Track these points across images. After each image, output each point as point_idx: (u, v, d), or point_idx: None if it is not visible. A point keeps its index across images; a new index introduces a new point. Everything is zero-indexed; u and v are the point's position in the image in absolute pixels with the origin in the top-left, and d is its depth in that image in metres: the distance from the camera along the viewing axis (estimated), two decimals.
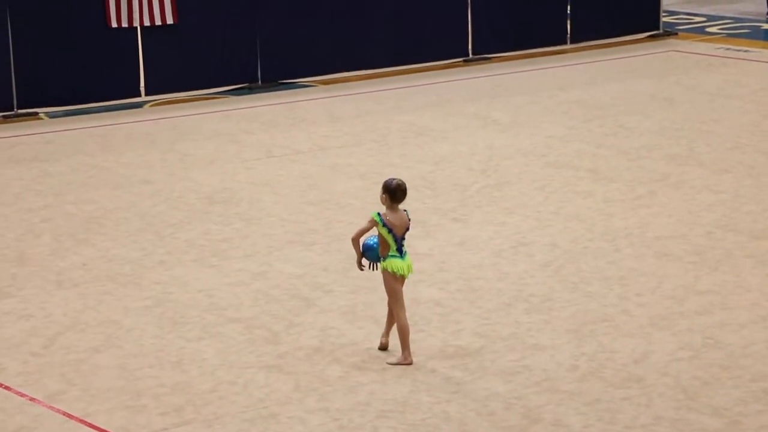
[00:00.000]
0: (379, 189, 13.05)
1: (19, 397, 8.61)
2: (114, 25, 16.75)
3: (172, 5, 17.03)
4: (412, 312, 9.91)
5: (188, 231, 11.93)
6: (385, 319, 9.26)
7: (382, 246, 8.92)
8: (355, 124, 15.81)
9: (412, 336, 9.21)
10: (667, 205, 12.45)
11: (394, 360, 9.03)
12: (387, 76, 18.36)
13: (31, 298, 10.33)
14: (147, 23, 16.92)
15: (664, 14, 20.84)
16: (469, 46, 19.18)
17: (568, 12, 19.85)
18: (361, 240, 9.04)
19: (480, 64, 18.98)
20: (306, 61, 18.01)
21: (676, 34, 20.66)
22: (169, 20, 17.04)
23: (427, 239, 11.60)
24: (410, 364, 8.95)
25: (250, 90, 17.69)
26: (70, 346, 9.38)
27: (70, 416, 8.35)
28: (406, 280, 9.01)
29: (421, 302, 10.13)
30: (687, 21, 21.80)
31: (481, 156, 14.31)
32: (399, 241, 8.90)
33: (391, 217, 8.88)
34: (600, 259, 11.03)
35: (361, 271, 9.18)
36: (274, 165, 14.12)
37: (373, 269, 9.10)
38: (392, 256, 8.91)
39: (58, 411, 8.42)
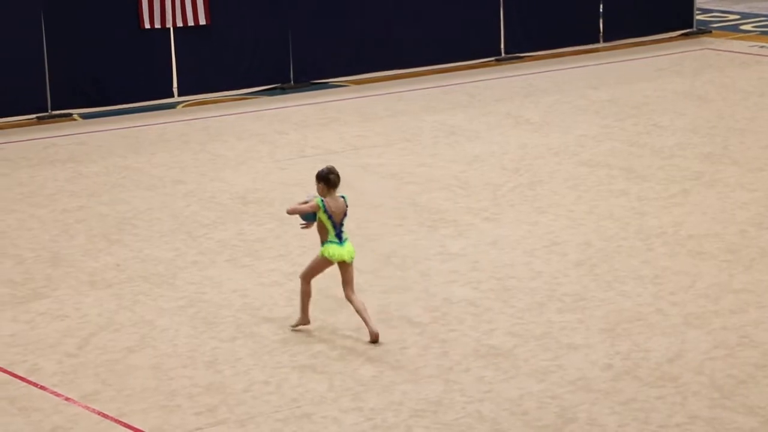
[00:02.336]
0: (412, 189, 13.05)
1: (55, 397, 8.65)
2: (147, 26, 16.81)
3: (204, 6, 17.08)
4: (444, 311, 9.91)
5: (221, 231, 11.96)
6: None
7: (321, 231, 9.31)
8: (387, 124, 15.80)
9: (444, 335, 9.22)
10: (701, 203, 12.39)
11: (294, 323, 9.58)
12: (419, 75, 18.35)
13: (65, 298, 10.38)
14: (180, 24, 16.98)
15: (697, 12, 20.75)
16: (501, 46, 19.14)
17: (601, 11, 19.78)
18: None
19: (512, 63, 18.94)
20: (338, 62, 18.03)
21: (710, 32, 20.55)
22: (202, 21, 17.09)
23: (460, 239, 11.58)
24: (308, 324, 9.55)
25: (282, 90, 17.72)
26: (104, 347, 9.42)
27: (105, 416, 8.39)
28: (353, 266, 9.41)
29: (453, 302, 10.12)
30: (721, 18, 21.67)
31: (514, 155, 14.28)
32: (338, 227, 9.31)
33: (330, 203, 9.27)
34: (634, 257, 10.98)
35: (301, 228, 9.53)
36: (307, 165, 14.13)
37: (302, 228, 9.47)
38: (331, 241, 9.32)
39: (93, 411, 8.46)
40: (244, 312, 10.03)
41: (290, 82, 17.82)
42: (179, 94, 17.21)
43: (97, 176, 13.86)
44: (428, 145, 14.79)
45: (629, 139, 14.77)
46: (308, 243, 11.56)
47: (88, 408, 8.51)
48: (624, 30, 19.92)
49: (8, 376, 8.93)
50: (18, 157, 14.74)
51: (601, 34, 19.85)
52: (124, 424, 8.28)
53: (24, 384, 8.83)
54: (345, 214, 9.37)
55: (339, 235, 9.33)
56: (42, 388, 8.79)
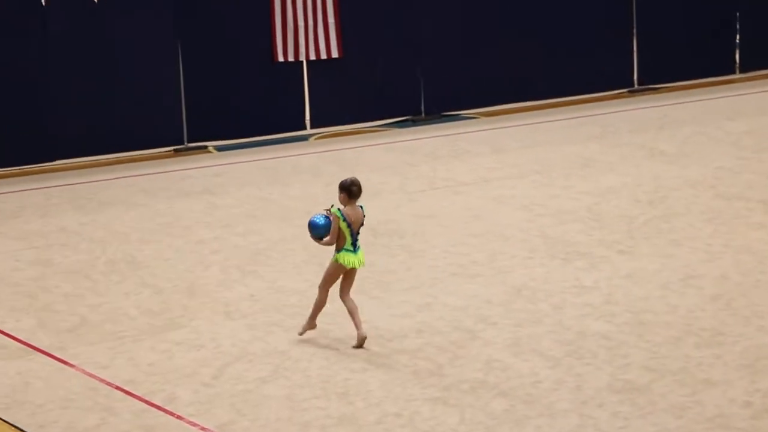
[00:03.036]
0: (544, 221, 12.97)
1: (192, 427, 8.74)
2: (280, 59, 17.04)
3: (337, 39, 17.25)
4: (578, 345, 9.80)
5: None
6: None
7: (339, 239, 9.72)
8: (519, 156, 15.74)
9: (578, 369, 9.13)
10: None
11: (300, 330, 10.01)
12: (550, 107, 18.26)
13: (201, 328, 10.52)
14: (312, 57, 17.17)
15: None
16: (635, 77, 18.95)
17: (737, 41, 19.47)
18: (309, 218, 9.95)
19: (646, 94, 18.74)
20: (469, 93, 18.04)
21: None
22: (334, 54, 17.26)
23: (593, 271, 11.46)
24: (314, 328, 9.99)
25: (413, 122, 17.78)
26: (239, 377, 9.51)
27: None
28: (358, 271, 9.89)
29: (587, 335, 10.00)
30: None
31: (648, 187, 14.09)
32: (354, 236, 9.75)
33: (350, 213, 9.71)
34: None
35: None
36: (438, 197, 14.14)
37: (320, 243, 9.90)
38: (346, 249, 9.74)
39: None
40: (375, 343, 10.04)
41: (421, 114, 17.88)
42: (312, 127, 17.39)
43: (232, 207, 14.05)
44: (560, 177, 14.68)
45: (767, 171, 14.46)
46: (439, 275, 11.56)
47: None
48: (761, 60, 19.56)
49: (146, 405, 9.07)
50: (156, 188, 15.03)
51: (738, 64, 19.53)
52: None
53: (161, 413, 8.95)
54: (362, 224, 9.79)
55: (354, 243, 9.76)
56: (179, 417, 8.90)
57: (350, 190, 9.74)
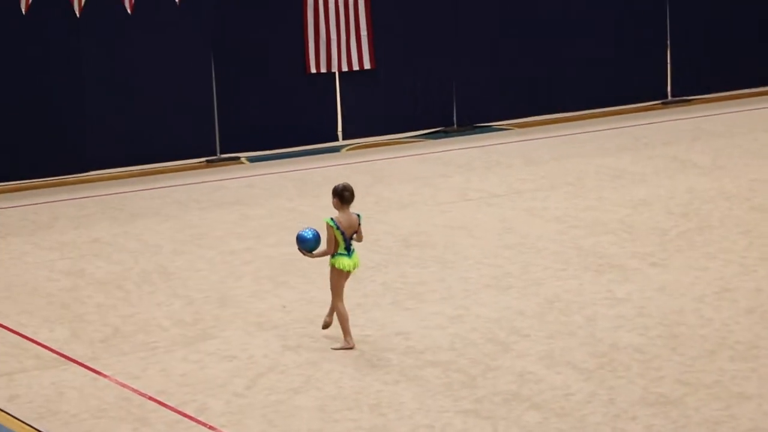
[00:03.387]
0: (576, 233, 12.94)
1: None
2: (313, 70, 17.07)
3: (369, 51, 17.26)
4: (611, 357, 9.75)
5: (384, 274, 12.00)
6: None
7: (332, 244, 9.95)
8: (551, 167, 15.70)
9: (610, 382, 9.09)
10: None
11: (337, 346, 10.06)
12: (583, 118, 18.21)
13: (233, 339, 10.54)
14: (345, 69, 17.19)
15: None
16: (668, 88, 18.88)
17: None
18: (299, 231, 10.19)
19: (679, 106, 18.66)
20: (501, 105, 18.02)
21: None
22: (367, 65, 17.27)
23: (626, 284, 11.41)
24: (352, 348, 10.02)
25: (446, 134, 17.77)
26: (271, 387, 9.52)
27: None
28: (352, 275, 10.12)
29: (620, 348, 9.95)
30: None
31: (681, 199, 14.03)
32: (347, 241, 9.97)
33: (342, 219, 9.97)
34: None
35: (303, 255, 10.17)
36: (470, 208, 14.13)
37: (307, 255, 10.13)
38: (340, 254, 9.97)
39: None
40: (408, 355, 10.03)
41: (453, 125, 17.87)
42: (343, 138, 17.41)
43: (264, 218, 14.07)
44: (593, 189, 14.64)
45: None
46: (472, 286, 11.54)
47: None
48: None
49: (179, 415, 9.09)
50: (188, 199, 15.08)
51: None
52: None
53: (194, 423, 8.97)
54: (356, 231, 10.01)
55: (348, 248, 10.00)
56: (211, 428, 8.91)
57: (342, 195, 10.01)
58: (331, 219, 9.99)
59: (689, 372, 9.46)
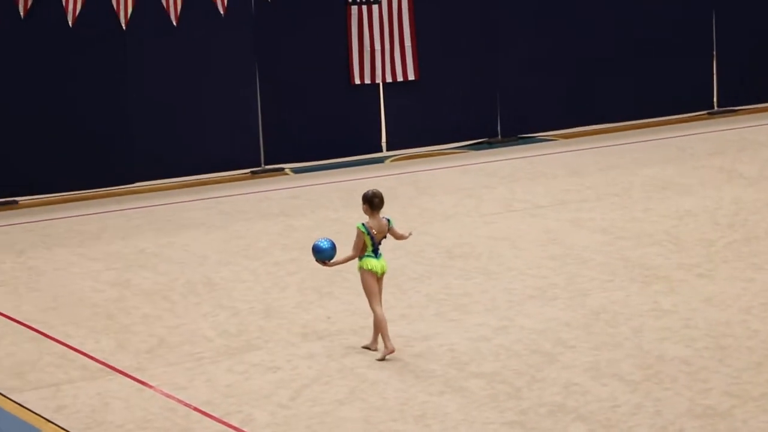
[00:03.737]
0: (622, 244, 12.88)
1: None
2: (357, 81, 17.10)
3: (414, 61, 17.28)
4: (657, 369, 9.69)
5: (428, 285, 11.99)
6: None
7: (358, 249, 10.11)
8: (597, 178, 15.64)
9: (657, 394, 9.04)
10: None
11: (380, 356, 10.06)
12: (628, 129, 18.13)
13: (278, 350, 10.55)
14: (389, 80, 17.21)
15: None
16: (714, 98, 18.77)
17: None
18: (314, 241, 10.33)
19: (726, 116, 18.54)
20: (545, 116, 17.98)
21: None
22: (411, 76, 17.29)
23: (672, 295, 11.33)
24: (393, 351, 10.06)
25: (490, 145, 17.74)
26: (315, 398, 9.52)
27: None
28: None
29: (666, 359, 9.88)
30: None
31: (727, 210, 13.93)
32: (375, 245, 10.13)
33: (372, 224, 10.14)
34: None
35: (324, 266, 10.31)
36: (514, 219, 14.09)
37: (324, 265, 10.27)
38: (368, 256, 10.11)
39: None
40: (452, 366, 10.00)
41: (497, 136, 17.84)
42: (387, 149, 17.42)
43: (308, 229, 14.10)
44: (639, 200, 14.56)
45: None
46: (516, 297, 11.50)
47: None
48: None
49: (224, 426, 9.11)
50: (234, 210, 15.14)
51: None
52: None
53: None
54: (385, 236, 10.17)
55: (375, 251, 10.13)
56: None
57: (372, 202, 10.17)
58: (362, 224, 10.14)
59: (736, 384, 9.38)
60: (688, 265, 12.13)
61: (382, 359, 10.10)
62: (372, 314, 10.22)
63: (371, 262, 10.11)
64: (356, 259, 10.19)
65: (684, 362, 9.83)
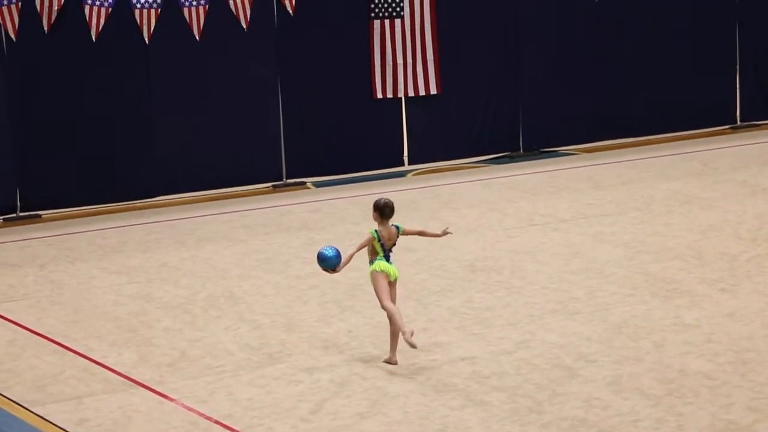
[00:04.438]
0: (644, 258, 12.83)
1: None
2: (379, 96, 17.12)
3: (436, 76, 17.29)
4: (679, 383, 9.65)
5: (450, 299, 11.98)
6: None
7: (371, 253, 10.28)
8: (619, 192, 15.61)
9: (679, 408, 9.01)
10: None
11: (413, 340, 9.97)
12: (650, 143, 18.09)
13: (299, 363, 10.56)
14: (411, 94, 17.23)
15: None
16: (737, 113, 18.71)
17: None
18: (319, 249, 10.44)
19: (749, 131, 18.48)
20: (567, 130, 17.96)
21: None
22: (433, 90, 17.30)
23: (694, 309, 11.29)
24: (413, 332, 10.03)
25: (511, 158, 17.73)
26: (336, 412, 9.52)
27: None
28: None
29: (689, 374, 9.84)
30: None
31: (750, 225, 13.88)
32: (386, 252, 10.32)
33: (383, 232, 10.34)
34: None
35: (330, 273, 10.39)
36: (536, 233, 14.07)
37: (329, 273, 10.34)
38: (379, 259, 10.27)
39: None
40: (474, 380, 9.99)
41: (519, 150, 17.83)
42: (409, 163, 17.43)
43: (330, 243, 14.06)
44: (661, 214, 14.53)
45: None
46: (538, 311, 11.48)
47: None
48: None
49: None
50: (255, 224, 15.17)
51: None
52: None
53: None
54: (394, 243, 10.36)
55: (386, 257, 10.32)
56: None
57: (383, 211, 10.38)
58: (375, 230, 10.35)
59: (759, 398, 9.34)
60: (710, 280, 12.09)
61: (411, 344, 10.00)
62: (389, 324, 10.27)
63: (383, 264, 10.29)
64: (368, 266, 10.29)
65: (706, 377, 9.79)
